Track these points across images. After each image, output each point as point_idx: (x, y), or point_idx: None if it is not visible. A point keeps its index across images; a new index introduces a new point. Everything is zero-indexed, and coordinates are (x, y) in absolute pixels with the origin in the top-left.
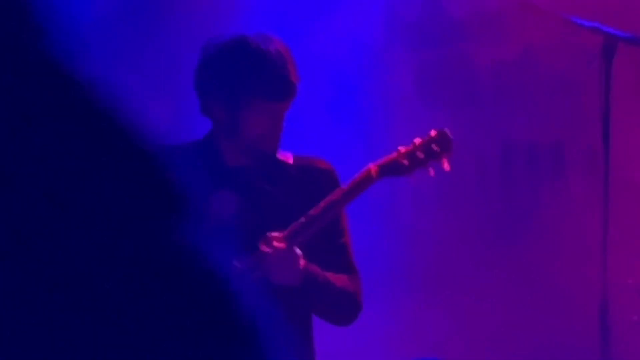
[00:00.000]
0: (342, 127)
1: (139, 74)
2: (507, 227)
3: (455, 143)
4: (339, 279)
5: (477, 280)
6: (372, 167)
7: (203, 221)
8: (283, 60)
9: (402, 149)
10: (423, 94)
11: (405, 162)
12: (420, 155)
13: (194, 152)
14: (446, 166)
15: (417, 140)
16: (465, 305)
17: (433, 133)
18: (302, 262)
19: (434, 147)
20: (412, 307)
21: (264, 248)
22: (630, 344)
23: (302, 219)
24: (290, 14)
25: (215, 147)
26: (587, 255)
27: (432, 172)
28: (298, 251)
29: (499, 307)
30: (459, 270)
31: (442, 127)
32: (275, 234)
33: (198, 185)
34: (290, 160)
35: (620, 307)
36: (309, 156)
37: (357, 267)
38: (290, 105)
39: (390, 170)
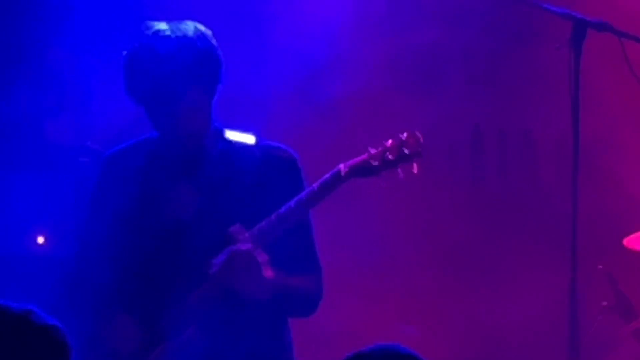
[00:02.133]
0: (313, 115)
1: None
2: (477, 213)
3: (425, 146)
4: (303, 282)
5: (447, 265)
6: (342, 167)
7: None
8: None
9: (372, 150)
10: (394, 82)
11: (375, 163)
12: (391, 157)
13: (149, 148)
14: (415, 169)
15: (388, 142)
16: (431, 293)
17: (404, 135)
18: (269, 272)
19: (405, 150)
20: (370, 299)
21: (230, 251)
22: (599, 329)
23: (272, 217)
24: (259, 9)
25: (167, 139)
26: (556, 240)
27: (401, 174)
28: (264, 257)
29: (465, 295)
30: (427, 258)
31: (414, 130)
32: (241, 234)
33: (153, 183)
34: (252, 141)
35: (589, 293)
36: (273, 143)
37: (320, 264)
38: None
39: (360, 171)
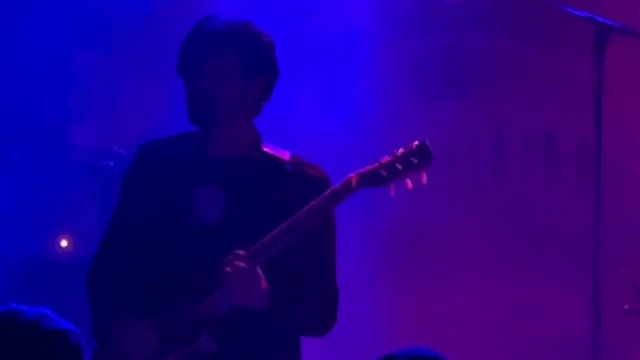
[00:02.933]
0: (336, 119)
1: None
2: (499, 217)
3: (435, 155)
4: (310, 298)
5: (470, 270)
6: (353, 176)
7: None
8: (216, 38)
9: (382, 159)
10: (417, 85)
11: (385, 173)
12: (399, 166)
13: (184, 144)
14: (424, 179)
15: (399, 152)
16: (453, 293)
17: (414, 145)
18: (264, 284)
19: (413, 159)
20: (398, 297)
21: (227, 268)
22: (621, 332)
23: (275, 232)
24: (284, 6)
25: (203, 137)
26: (579, 245)
27: (410, 184)
28: (259, 272)
29: (489, 295)
30: (450, 261)
31: (424, 140)
32: (239, 252)
33: (181, 179)
34: (287, 157)
35: (612, 297)
36: (306, 160)
37: (335, 282)
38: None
39: (370, 180)
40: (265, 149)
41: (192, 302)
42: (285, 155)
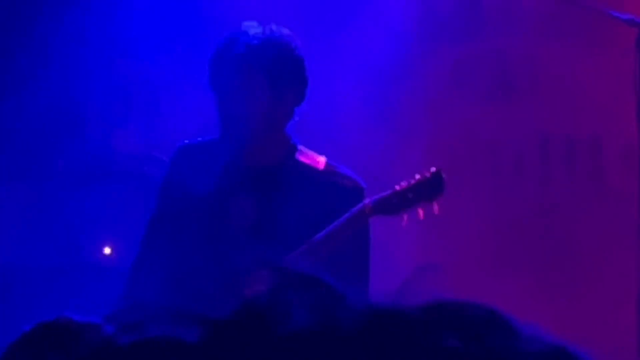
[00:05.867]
0: (376, 123)
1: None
2: (544, 223)
3: (446, 186)
4: None
5: (513, 277)
6: (368, 203)
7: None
8: (251, 48)
9: (397, 187)
10: (459, 89)
11: (396, 201)
12: (410, 196)
13: (219, 149)
14: (436, 210)
15: (412, 180)
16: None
17: (428, 173)
18: None
19: (425, 189)
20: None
21: (248, 290)
22: None
23: (302, 248)
24: (324, 10)
25: (237, 146)
26: (624, 251)
27: (421, 214)
28: None
29: (533, 298)
30: (495, 266)
31: (438, 168)
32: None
33: (215, 185)
34: (321, 166)
35: None
36: (342, 168)
37: (368, 291)
38: (265, 102)
39: (382, 208)
40: (300, 157)
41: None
42: (320, 164)
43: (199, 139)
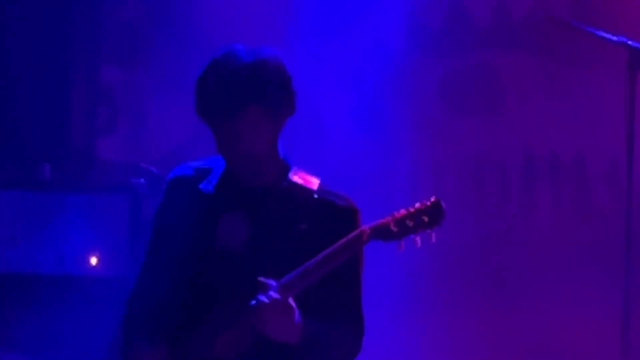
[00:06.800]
0: (364, 135)
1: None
2: (527, 236)
3: (447, 214)
4: (336, 331)
5: (500, 289)
6: (365, 229)
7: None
8: (234, 78)
9: (396, 214)
10: (446, 102)
11: (395, 229)
12: (410, 224)
13: (213, 172)
14: (434, 239)
15: (412, 208)
16: (488, 309)
17: (429, 202)
18: (297, 316)
19: (425, 218)
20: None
21: (261, 298)
22: None
23: (299, 271)
24: (314, 22)
25: (230, 167)
26: (608, 265)
27: (419, 242)
28: (293, 304)
29: (522, 313)
30: (477, 280)
31: (438, 198)
32: (271, 282)
33: (209, 208)
34: (315, 187)
35: None
36: (334, 191)
37: (361, 314)
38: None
39: (381, 234)
40: (294, 178)
41: (210, 335)
42: (314, 185)
43: (190, 165)
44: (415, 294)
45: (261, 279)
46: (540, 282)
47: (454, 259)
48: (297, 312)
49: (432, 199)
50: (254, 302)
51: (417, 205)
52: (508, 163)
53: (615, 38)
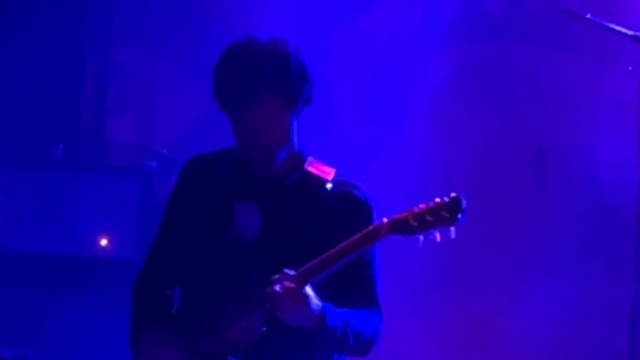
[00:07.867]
0: (375, 125)
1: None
2: (536, 228)
3: (468, 209)
4: (359, 319)
5: (508, 282)
6: (385, 222)
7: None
8: (251, 66)
9: (415, 208)
10: (458, 93)
11: (415, 223)
12: (429, 218)
13: (229, 160)
14: (453, 234)
15: (432, 203)
16: (489, 305)
17: (449, 198)
18: (315, 303)
19: (445, 213)
20: (429, 308)
21: (276, 287)
22: None
23: (316, 261)
24: (327, 13)
25: (246, 156)
26: (618, 260)
27: (438, 237)
28: (310, 292)
29: (532, 308)
30: (484, 271)
31: (458, 193)
32: (288, 272)
33: (224, 196)
34: (330, 177)
35: None
36: (350, 180)
37: (380, 301)
38: (267, 114)
39: (399, 228)
40: (309, 168)
41: (222, 323)
42: (329, 175)
43: (208, 151)
44: (424, 288)
45: (279, 268)
46: (549, 276)
47: (462, 252)
48: (313, 301)
49: (453, 195)
50: (268, 289)
51: (437, 200)
52: (518, 156)
53: (629, 32)
